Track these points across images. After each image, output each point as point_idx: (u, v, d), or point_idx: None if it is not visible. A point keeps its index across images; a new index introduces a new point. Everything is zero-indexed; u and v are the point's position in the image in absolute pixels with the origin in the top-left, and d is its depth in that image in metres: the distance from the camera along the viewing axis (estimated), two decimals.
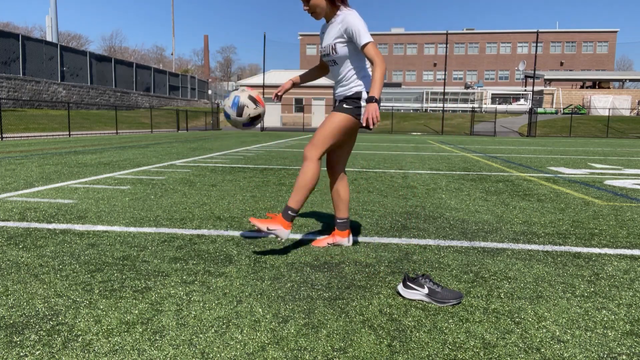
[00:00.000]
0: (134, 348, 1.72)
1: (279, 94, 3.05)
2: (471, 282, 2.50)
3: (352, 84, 2.85)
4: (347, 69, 2.84)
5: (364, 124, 2.72)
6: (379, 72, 2.69)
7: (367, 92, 2.81)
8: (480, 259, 2.92)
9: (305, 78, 3.18)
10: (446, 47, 36.54)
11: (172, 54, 73.46)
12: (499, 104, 50.66)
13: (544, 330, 1.93)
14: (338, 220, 3.12)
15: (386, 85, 57.85)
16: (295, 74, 49.23)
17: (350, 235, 3.17)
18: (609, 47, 65.55)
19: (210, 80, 75.22)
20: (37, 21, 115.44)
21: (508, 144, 19.32)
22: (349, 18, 2.71)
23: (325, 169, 2.90)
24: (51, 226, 3.54)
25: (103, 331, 1.85)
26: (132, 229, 3.49)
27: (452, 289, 2.38)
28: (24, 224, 3.59)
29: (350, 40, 2.76)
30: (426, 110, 50.73)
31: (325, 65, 3.12)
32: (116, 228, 3.53)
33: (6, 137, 17.13)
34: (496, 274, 2.63)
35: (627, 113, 44.31)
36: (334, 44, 2.80)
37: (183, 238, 3.27)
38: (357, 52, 2.81)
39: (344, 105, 2.84)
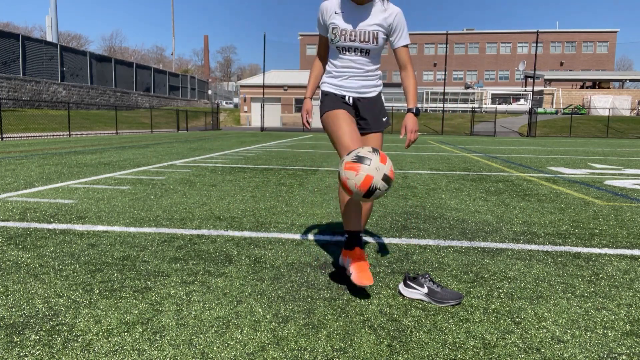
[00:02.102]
0: (134, 348, 1.72)
1: (310, 119, 2.65)
2: (471, 282, 2.50)
3: (375, 83, 2.57)
4: (375, 65, 2.54)
5: (406, 145, 2.51)
6: (415, 81, 2.52)
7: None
8: (480, 259, 2.92)
9: (316, 85, 2.75)
10: (446, 47, 36.53)
11: (172, 54, 73.54)
12: (499, 104, 50.67)
13: (544, 330, 1.93)
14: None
15: (386, 85, 57.90)
16: (295, 74, 49.25)
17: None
18: (609, 47, 65.54)
19: (210, 80, 75.23)
20: (37, 21, 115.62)
21: (508, 144, 19.32)
22: (399, 12, 2.46)
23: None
24: (51, 226, 3.54)
25: (103, 331, 1.85)
26: (132, 229, 3.49)
27: (452, 289, 2.38)
28: (24, 224, 3.59)
29: (387, 35, 2.48)
30: (426, 110, 50.72)
31: (323, 59, 2.68)
32: (116, 228, 3.52)
33: (6, 137, 17.13)
34: (496, 274, 2.63)
35: (627, 113, 44.31)
36: (376, 33, 2.43)
37: (183, 238, 3.27)
38: (382, 49, 2.55)
39: (383, 120, 2.60)
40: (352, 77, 2.52)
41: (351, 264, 2.33)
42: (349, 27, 2.42)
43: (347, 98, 2.53)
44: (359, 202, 2.44)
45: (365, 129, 2.57)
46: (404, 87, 2.53)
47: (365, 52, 2.47)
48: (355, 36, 2.42)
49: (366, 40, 2.43)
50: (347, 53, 2.47)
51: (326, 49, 2.62)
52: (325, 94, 2.58)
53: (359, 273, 2.26)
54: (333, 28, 2.45)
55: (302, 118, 2.67)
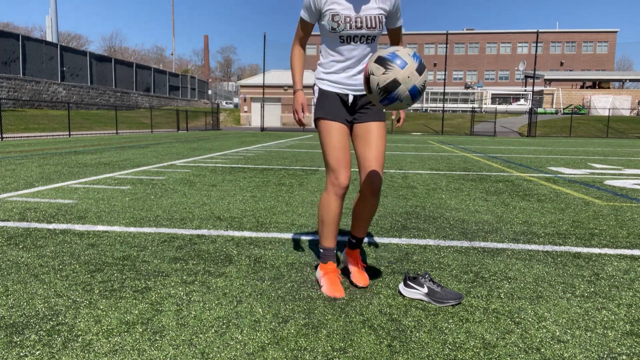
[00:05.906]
0: (134, 348, 1.72)
1: (306, 114, 2.41)
2: (471, 282, 2.50)
3: None
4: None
5: (401, 123, 2.51)
6: None
7: None
8: (480, 259, 2.92)
9: (302, 74, 2.50)
10: (446, 47, 36.51)
11: (172, 54, 73.48)
12: (499, 104, 50.69)
13: (544, 330, 1.93)
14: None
15: None
16: None
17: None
18: (609, 47, 65.54)
19: (210, 80, 75.25)
20: (37, 21, 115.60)
21: (508, 144, 19.31)
22: None
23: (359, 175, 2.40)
24: (51, 226, 3.54)
25: (103, 331, 1.85)
26: (132, 229, 3.49)
27: (452, 289, 2.38)
28: (24, 224, 3.59)
29: (386, 18, 2.30)
30: (426, 110, 50.72)
31: (303, 46, 2.47)
32: (116, 228, 3.52)
33: (6, 137, 17.13)
34: (496, 274, 2.63)
35: (627, 113, 44.31)
36: (381, 17, 2.24)
37: (183, 238, 3.27)
38: None
39: (384, 110, 2.39)
40: (358, 73, 2.31)
41: (323, 275, 2.40)
42: (352, 13, 2.20)
43: (349, 97, 2.35)
44: (337, 221, 2.39)
45: (364, 120, 2.38)
46: None
47: (372, 40, 2.27)
48: (361, 22, 2.21)
49: (373, 26, 2.22)
50: (352, 42, 2.25)
51: (308, 35, 2.42)
52: (322, 93, 2.37)
53: (331, 286, 2.33)
54: (333, 15, 2.21)
55: (296, 114, 2.37)
